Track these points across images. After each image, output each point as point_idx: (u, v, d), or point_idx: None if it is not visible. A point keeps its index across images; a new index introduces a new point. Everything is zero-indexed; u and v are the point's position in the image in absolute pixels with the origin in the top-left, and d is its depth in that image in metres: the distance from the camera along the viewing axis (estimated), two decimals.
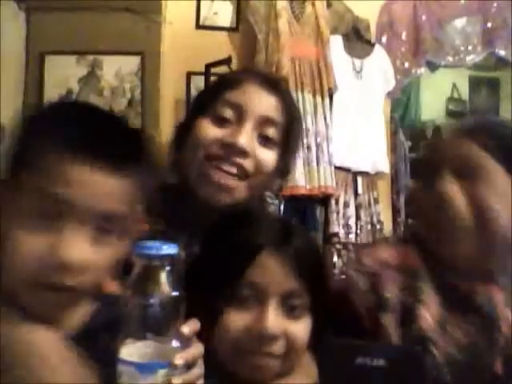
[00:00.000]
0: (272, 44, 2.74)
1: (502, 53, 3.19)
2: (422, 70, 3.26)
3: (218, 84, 1.15)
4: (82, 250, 0.69)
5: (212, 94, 1.11)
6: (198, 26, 2.89)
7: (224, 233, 0.94)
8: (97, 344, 0.71)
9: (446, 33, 3.17)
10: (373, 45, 3.07)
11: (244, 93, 1.08)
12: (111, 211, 0.71)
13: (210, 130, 1.06)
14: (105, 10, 2.64)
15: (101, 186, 0.70)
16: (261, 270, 0.88)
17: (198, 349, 0.72)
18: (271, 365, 0.87)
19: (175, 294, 0.68)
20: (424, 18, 3.15)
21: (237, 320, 0.87)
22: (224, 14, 2.93)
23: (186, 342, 0.69)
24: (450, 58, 3.22)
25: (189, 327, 0.70)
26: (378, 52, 3.06)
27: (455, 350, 0.93)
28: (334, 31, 2.93)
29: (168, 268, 0.68)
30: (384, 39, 3.15)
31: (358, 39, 3.03)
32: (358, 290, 1.00)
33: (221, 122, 1.07)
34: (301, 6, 2.84)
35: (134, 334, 0.66)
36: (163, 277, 0.67)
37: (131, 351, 0.65)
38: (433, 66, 3.30)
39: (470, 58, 3.23)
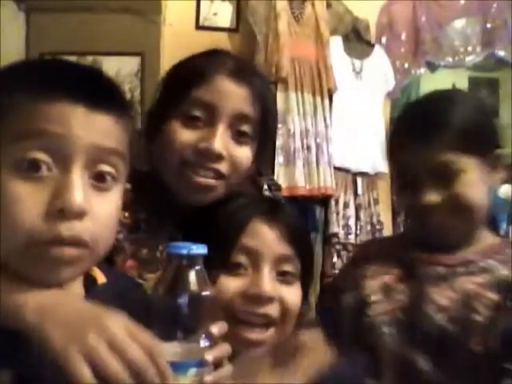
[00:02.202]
0: (272, 45, 2.74)
1: (502, 53, 3.19)
2: (422, 71, 3.26)
3: (185, 79, 1.06)
4: (84, 194, 0.65)
5: (180, 91, 1.04)
6: (198, 27, 2.90)
7: (217, 209, 0.98)
8: None
9: (445, 33, 3.17)
10: (372, 45, 3.07)
11: (213, 89, 1.03)
12: (108, 147, 0.68)
13: (182, 135, 1.02)
14: (104, 10, 2.64)
15: (93, 123, 0.67)
16: (253, 235, 0.92)
17: (225, 348, 0.73)
18: (264, 335, 0.89)
19: (205, 293, 0.69)
20: (423, 18, 3.15)
21: (231, 285, 0.89)
22: (224, 15, 2.93)
23: (214, 342, 0.70)
24: (450, 59, 3.22)
25: (217, 328, 0.71)
26: (378, 53, 3.06)
27: (399, 312, 1.04)
28: (333, 32, 2.93)
29: (198, 268, 0.69)
30: (384, 40, 3.15)
31: (357, 40, 3.04)
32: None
33: (192, 122, 1.03)
34: (300, 6, 2.84)
35: (164, 334, 0.66)
36: (193, 276, 0.68)
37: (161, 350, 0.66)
38: (432, 67, 3.30)
39: (470, 59, 3.23)
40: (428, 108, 1.10)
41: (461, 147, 1.02)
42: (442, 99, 1.12)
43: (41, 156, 0.64)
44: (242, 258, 0.91)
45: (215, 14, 2.92)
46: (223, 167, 1.02)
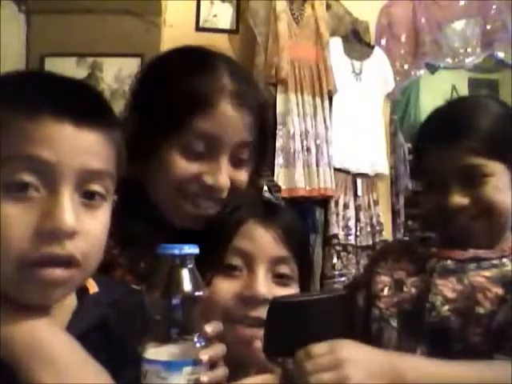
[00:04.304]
0: (271, 46, 2.74)
1: (501, 55, 3.19)
2: (422, 72, 3.27)
3: (183, 105, 0.96)
4: (74, 214, 0.64)
5: (178, 119, 0.96)
6: (198, 29, 2.90)
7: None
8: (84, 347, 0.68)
9: (445, 35, 3.18)
10: (372, 47, 3.07)
11: (218, 120, 0.96)
12: (97, 169, 0.68)
13: (183, 167, 0.97)
14: (105, 12, 2.65)
15: (81, 143, 0.66)
16: (248, 237, 0.91)
17: (220, 348, 0.72)
18: (260, 335, 0.86)
19: (199, 292, 0.69)
20: (423, 19, 3.15)
21: (226, 288, 0.88)
22: (224, 17, 2.93)
23: (208, 342, 0.70)
24: (450, 60, 3.22)
25: (211, 327, 0.71)
26: (378, 54, 3.07)
27: (406, 303, 1.06)
28: (333, 33, 2.94)
29: (191, 267, 0.69)
30: (383, 41, 3.16)
31: (357, 41, 3.04)
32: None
33: (193, 153, 0.97)
34: (300, 8, 2.85)
35: (158, 334, 0.67)
36: (186, 276, 0.69)
37: (156, 351, 0.66)
38: (432, 68, 3.30)
39: (470, 60, 3.23)
40: (457, 112, 1.11)
41: (488, 152, 1.03)
42: (470, 104, 1.15)
43: (28, 178, 0.63)
44: (237, 260, 0.90)
45: (215, 16, 2.93)
46: (225, 194, 1.00)
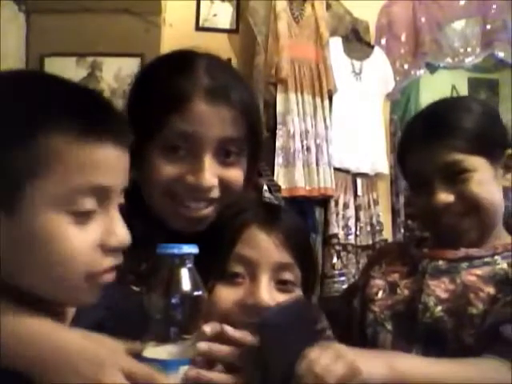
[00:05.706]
0: (271, 46, 2.74)
1: (501, 54, 3.19)
2: (422, 72, 3.27)
3: (160, 103, 0.95)
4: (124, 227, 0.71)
5: (156, 118, 0.94)
6: (198, 28, 2.91)
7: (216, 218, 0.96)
8: None
9: (445, 34, 3.18)
10: (372, 46, 3.07)
11: (193, 117, 0.93)
12: (123, 186, 0.72)
13: (165, 169, 0.95)
14: (104, 11, 2.65)
15: (122, 163, 0.71)
16: (250, 243, 0.88)
17: (218, 348, 0.73)
18: None
19: (198, 292, 0.69)
20: (423, 19, 3.15)
21: (228, 296, 0.87)
22: (224, 16, 2.93)
23: (207, 341, 0.71)
24: (450, 60, 3.22)
25: (210, 327, 0.72)
26: (378, 54, 3.07)
27: (400, 305, 1.07)
28: (333, 33, 2.94)
29: (190, 266, 0.69)
30: (383, 41, 3.16)
31: (357, 41, 3.04)
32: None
33: (174, 153, 0.95)
34: (300, 7, 2.85)
35: (156, 333, 0.67)
36: (185, 276, 0.69)
37: (155, 350, 0.67)
38: (432, 68, 3.30)
39: (470, 60, 3.23)
40: (437, 111, 1.12)
41: (468, 147, 1.04)
42: (449, 104, 1.16)
43: (90, 203, 0.67)
44: (239, 268, 0.88)
45: (215, 15, 2.93)
46: (214, 193, 0.97)
